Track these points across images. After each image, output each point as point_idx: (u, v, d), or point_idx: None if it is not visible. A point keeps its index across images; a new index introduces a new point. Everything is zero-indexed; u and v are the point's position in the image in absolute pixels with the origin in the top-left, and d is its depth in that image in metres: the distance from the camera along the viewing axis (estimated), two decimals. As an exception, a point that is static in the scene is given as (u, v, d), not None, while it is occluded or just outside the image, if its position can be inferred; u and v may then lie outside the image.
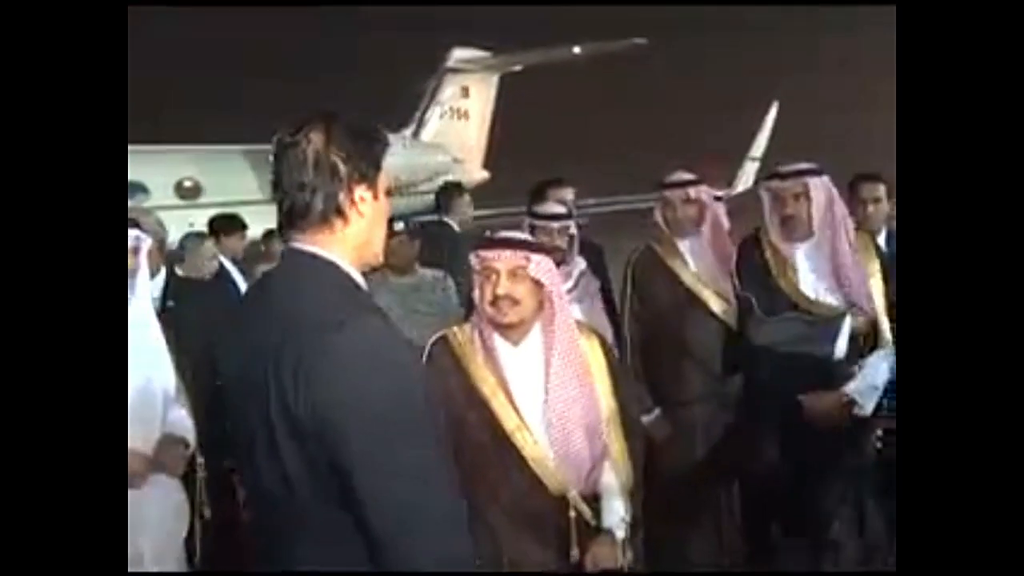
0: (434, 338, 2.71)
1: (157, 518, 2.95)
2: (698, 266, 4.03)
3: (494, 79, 21.83)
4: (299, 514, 1.69)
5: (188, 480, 3.07)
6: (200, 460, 3.10)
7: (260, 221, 17.72)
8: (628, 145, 24.31)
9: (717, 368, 3.99)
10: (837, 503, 3.47)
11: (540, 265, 2.58)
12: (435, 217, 6.50)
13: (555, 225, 3.81)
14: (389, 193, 1.85)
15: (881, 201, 4.44)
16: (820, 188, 3.53)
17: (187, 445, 3.01)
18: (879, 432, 3.46)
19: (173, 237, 5.73)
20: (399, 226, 4.97)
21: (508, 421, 2.57)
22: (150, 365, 2.98)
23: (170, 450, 2.96)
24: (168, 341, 3.09)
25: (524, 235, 2.77)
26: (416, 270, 5.08)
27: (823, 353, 3.46)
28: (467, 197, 6.60)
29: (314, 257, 1.76)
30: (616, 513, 2.67)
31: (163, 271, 4.66)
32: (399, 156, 18.57)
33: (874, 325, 3.46)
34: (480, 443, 2.56)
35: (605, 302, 4.09)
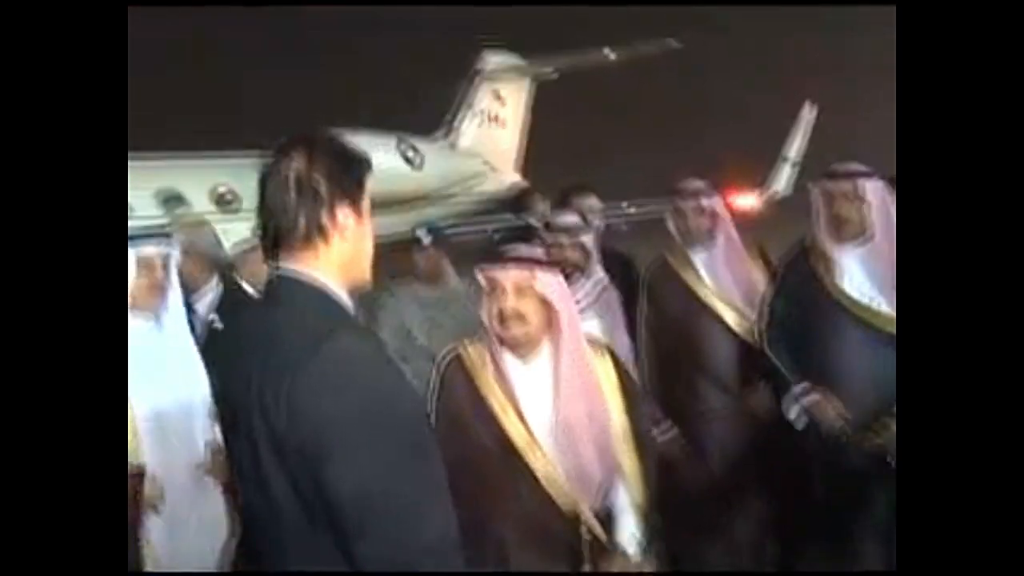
0: (445, 353, 2.70)
1: (199, 522, 2.97)
2: (712, 278, 3.95)
3: (528, 83, 21.71)
4: (285, 535, 1.70)
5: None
6: None
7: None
8: (665, 147, 24.20)
9: (734, 383, 3.93)
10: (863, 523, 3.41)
11: (547, 281, 2.56)
12: (515, 220, 6.24)
13: (565, 239, 3.75)
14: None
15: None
16: (876, 191, 3.44)
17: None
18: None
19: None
20: (427, 238, 4.87)
21: (518, 438, 2.55)
22: (186, 380, 2.98)
23: (216, 456, 2.94)
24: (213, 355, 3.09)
25: (532, 249, 2.74)
26: (447, 281, 4.86)
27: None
28: (538, 195, 6.31)
29: (297, 279, 1.77)
30: (628, 531, 2.66)
31: (215, 284, 4.47)
32: (433, 163, 18.66)
33: None
34: (491, 460, 2.55)
35: (628, 316, 3.99)
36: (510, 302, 2.54)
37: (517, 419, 2.56)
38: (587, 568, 2.57)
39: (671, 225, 4.05)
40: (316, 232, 1.77)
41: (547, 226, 3.87)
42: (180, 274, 4.51)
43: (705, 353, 3.93)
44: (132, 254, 2.87)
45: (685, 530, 3.61)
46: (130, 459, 2.74)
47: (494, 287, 2.58)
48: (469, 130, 20.70)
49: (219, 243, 4.78)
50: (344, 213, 1.79)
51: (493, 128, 21.13)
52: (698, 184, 4.00)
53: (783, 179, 17.57)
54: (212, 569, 3.01)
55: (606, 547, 2.61)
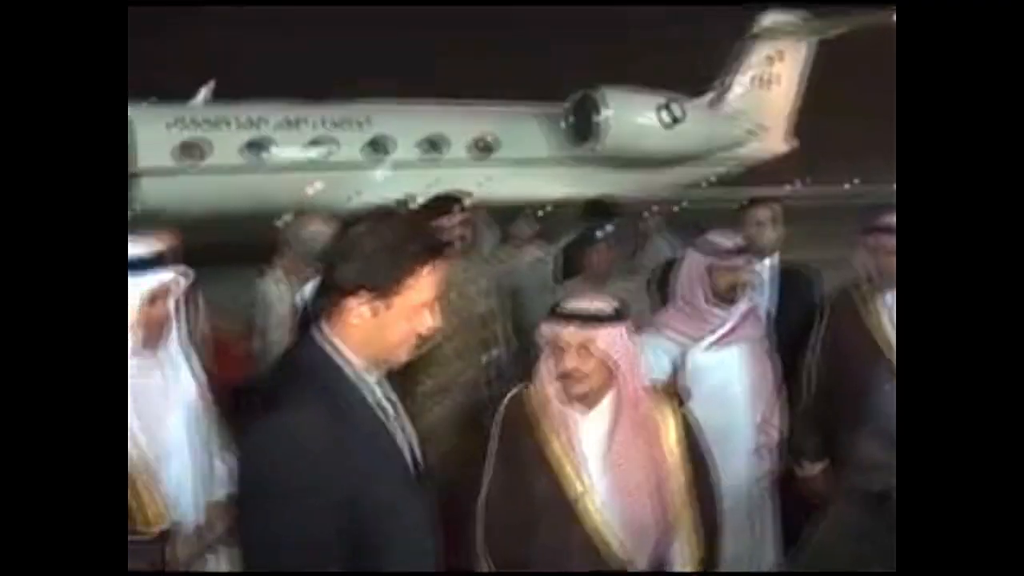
0: (510, 395, 2.70)
1: None
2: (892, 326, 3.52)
3: (807, 44, 20.59)
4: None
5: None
6: None
7: (551, 180, 17.84)
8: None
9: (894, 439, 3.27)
10: None
11: (609, 338, 2.52)
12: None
13: (740, 262, 3.59)
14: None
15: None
16: None
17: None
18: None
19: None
20: (600, 233, 4.99)
21: (573, 487, 2.54)
22: (197, 415, 2.68)
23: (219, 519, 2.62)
24: None
25: (595, 303, 2.59)
26: (614, 281, 4.92)
27: None
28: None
29: (311, 338, 1.92)
30: None
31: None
32: (695, 125, 18.12)
33: None
34: (545, 507, 2.55)
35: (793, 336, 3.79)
36: (571, 362, 2.52)
37: (574, 468, 2.55)
38: None
39: (858, 261, 3.69)
40: (332, 305, 1.89)
41: (705, 247, 3.66)
42: (281, 269, 4.18)
43: (874, 401, 3.45)
44: (142, 282, 2.50)
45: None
46: (149, 511, 2.51)
47: (556, 344, 2.56)
48: (740, 92, 20.04)
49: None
50: (361, 301, 1.86)
51: (765, 89, 20.38)
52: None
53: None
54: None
55: None
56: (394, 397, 2.01)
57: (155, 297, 2.52)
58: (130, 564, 2.43)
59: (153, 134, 14.10)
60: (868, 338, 3.52)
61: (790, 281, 4.35)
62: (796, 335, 3.81)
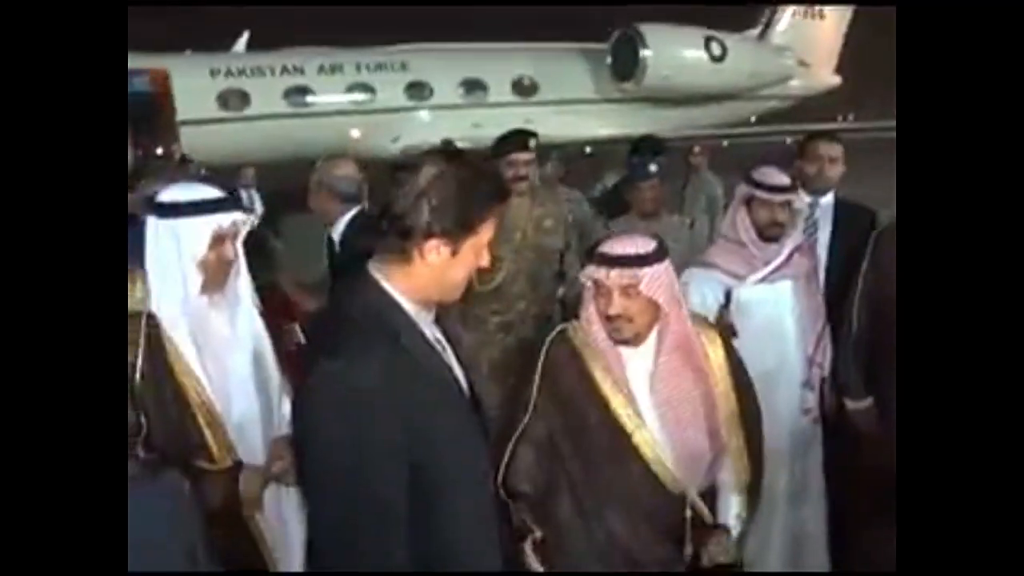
0: (553, 334, 2.70)
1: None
2: None
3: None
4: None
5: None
6: None
7: (593, 118, 17.61)
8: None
9: None
10: None
11: (652, 279, 2.50)
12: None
13: (778, 199, 3.53)
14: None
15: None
16: None
17: None
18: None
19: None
20: (652, 168, 5.02)
21: (628, 421, 2.57)
22: (260, 355, 2.73)
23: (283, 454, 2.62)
24: None
25: (636, 245, 2.56)
26: (662, 216, 5.02)
27: None
28: None
29: (365, 282, 1.91)
30: (732, 510, 2.72)
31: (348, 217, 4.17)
32: (740, 59, 17.76)
33: None
34: (599, 442, 2.57)
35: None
36: (617, 306, 2.52)
37: (627, 403, 2.57)
38: (688, 548, 2.61)
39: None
40: (399, 250, 1.87)
41: (750, 181, 3.61)
42: (313, 209, 4.22)
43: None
44: (204, 225, 2.54)
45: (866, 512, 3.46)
46: (215, 449, 2.62)
47: (599, 288, 2.55)
48: (785, 26, 19.57)
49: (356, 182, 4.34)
50: (436, 244, 1.86)
51: (812, 23, 19.82)
52: None
53: None
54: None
55: (707, 525, 2.64)
56: (441, 336, 2.02)
57: (219, 239, 2.56)
58: (198, 500, 2.53)
59: (195, 82, 14.18)
60: None
61: (847, 218, 4.26)
62: (849, 273, 3.77)
